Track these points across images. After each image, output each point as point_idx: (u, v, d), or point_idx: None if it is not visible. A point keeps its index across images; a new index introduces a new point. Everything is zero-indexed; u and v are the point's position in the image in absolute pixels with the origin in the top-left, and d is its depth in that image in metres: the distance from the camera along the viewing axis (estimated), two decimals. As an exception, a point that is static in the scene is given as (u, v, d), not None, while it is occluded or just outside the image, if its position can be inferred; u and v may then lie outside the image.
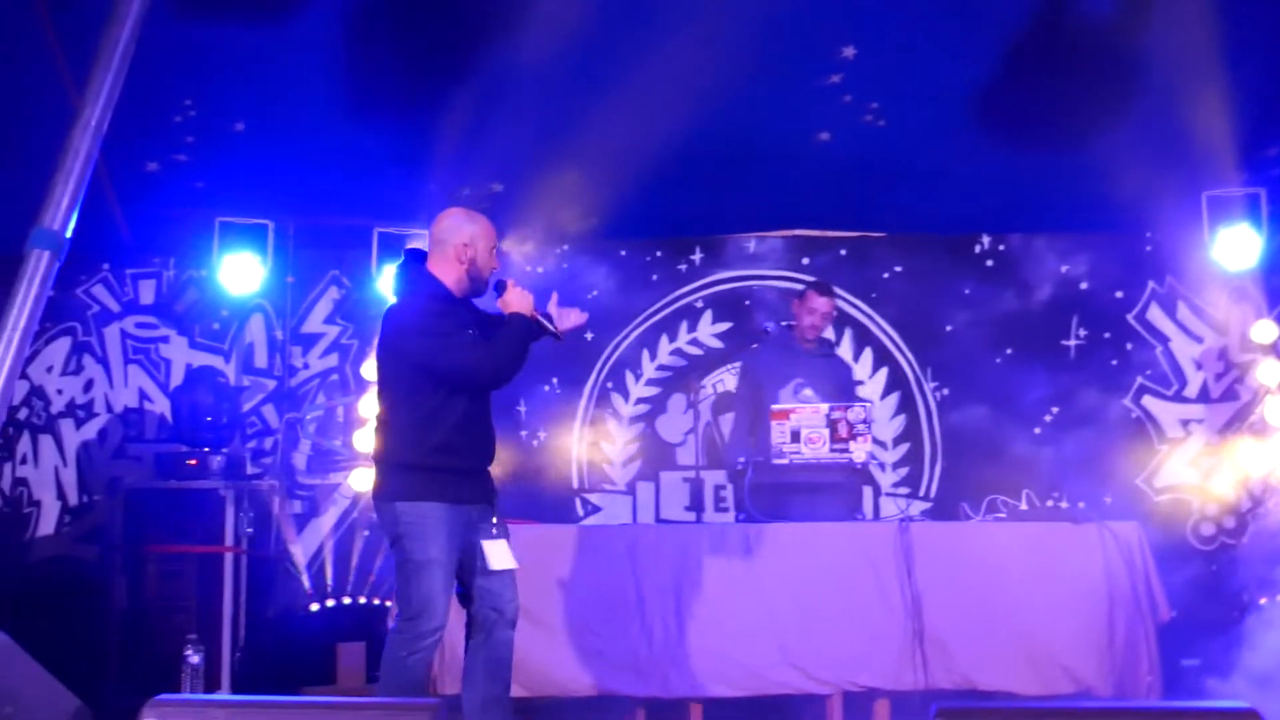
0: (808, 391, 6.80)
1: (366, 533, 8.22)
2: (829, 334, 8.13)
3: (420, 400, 4.81)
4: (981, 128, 7.35)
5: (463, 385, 4.83)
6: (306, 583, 8.11)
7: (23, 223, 4.95)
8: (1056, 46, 6.90)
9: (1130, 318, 8.23)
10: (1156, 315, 8.23)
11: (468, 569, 4.87)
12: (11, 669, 4.63)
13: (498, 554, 4.88)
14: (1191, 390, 8.18)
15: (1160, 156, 7.14)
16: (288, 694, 3.83)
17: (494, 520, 4.96)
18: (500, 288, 4.96)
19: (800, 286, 7.60)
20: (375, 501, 4.90)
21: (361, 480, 8.10)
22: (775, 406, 6.45)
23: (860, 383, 8.18)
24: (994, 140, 7.32)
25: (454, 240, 4.95)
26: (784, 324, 7.18)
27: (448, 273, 4.94)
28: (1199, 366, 8.18)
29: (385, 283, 8.12)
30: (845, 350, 8.23)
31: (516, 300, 4.91)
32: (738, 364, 7.61)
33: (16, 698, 4.56)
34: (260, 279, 8.14)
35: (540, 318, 4.96)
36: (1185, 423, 8.15)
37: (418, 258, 5.05)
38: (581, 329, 5.25)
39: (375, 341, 5.05)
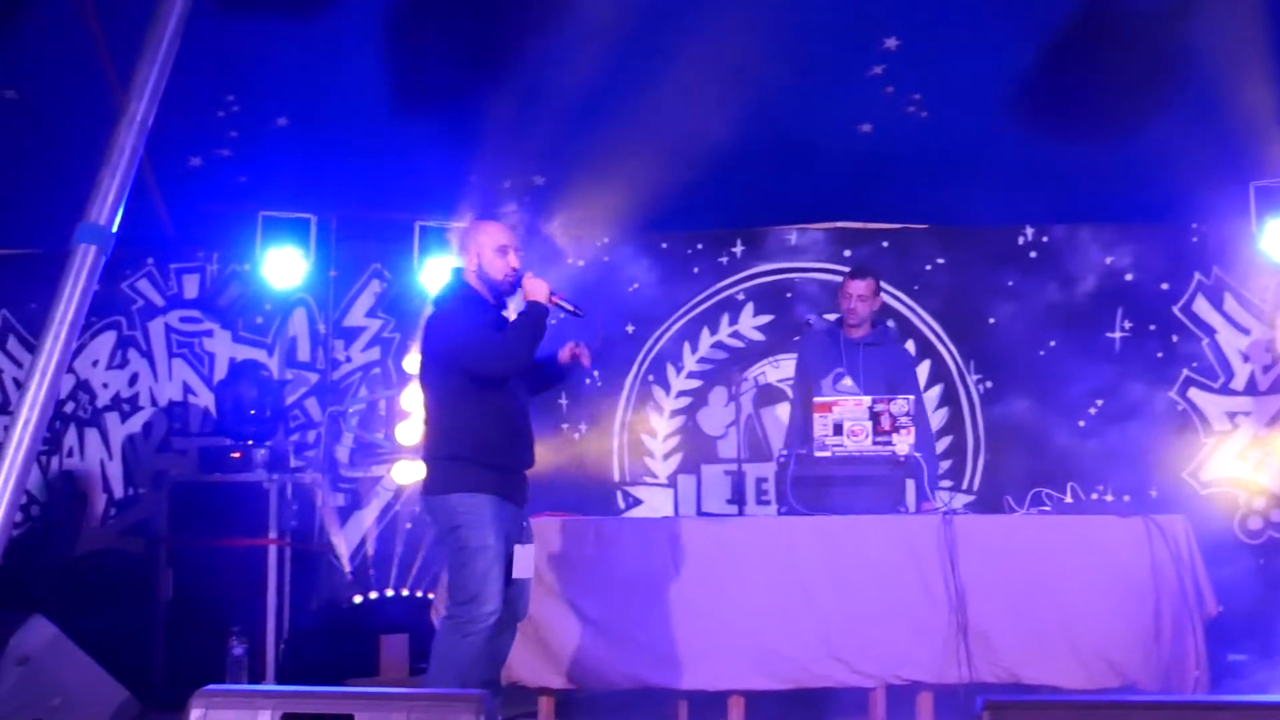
0: (847, 381, 6.77)
1: (409, 525, 8.26)
2: (890, 324, 8.08)
3: (461, 399, 5.09)
4: (1025, 118, 7.30)
5: (485, 376, 5.07)
6: (349, 575, 8.15)
7: (70, 218, 4.99)
8: (1101, 35, 6.84)
9: (1176, 309, 8.16)
10: (1203, 307, 8.15)
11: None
12: (60, 660, 4.69)
13: (523, 561, 5.16)
14: (1238, 383, 8.10)
15: (1207, 146, 7.07)
16: (331, 685, 3.85)
17: (524, 525, 5.26)
18: (519, 283, 5.23)
19: (840, 279, 7.57)
20: (428, 496, 5.15)
21: (404, 473, 8.13)
22: (817, 399, 6.44)
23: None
24: (1038, 131, 7.27)
25: (466, 250, 5.31)
26: (829, 317, 7.14)
27: (473, 279, 5.27)
28: (1246, 359, 8.10)
29: (427, 276, 8.15)
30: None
31: (531, 289, 5.17)
32: (779, 357, 7.60)
33: (65, 689, 4.61)
34: (303, 273, 8.18)
35: (559, 301, 5.20)
36: (1232, 415, 8.08)
37: (461, 270, 5.39)
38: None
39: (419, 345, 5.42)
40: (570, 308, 5.26)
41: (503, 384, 5.14)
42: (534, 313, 5.13)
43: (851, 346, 6.89)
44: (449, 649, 4.98)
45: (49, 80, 7.32)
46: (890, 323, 8.15)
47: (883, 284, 8.23)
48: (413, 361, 8.16)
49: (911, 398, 6.46)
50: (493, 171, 7.70)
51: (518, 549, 5.13)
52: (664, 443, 8.42)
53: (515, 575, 5.10)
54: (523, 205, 7.92)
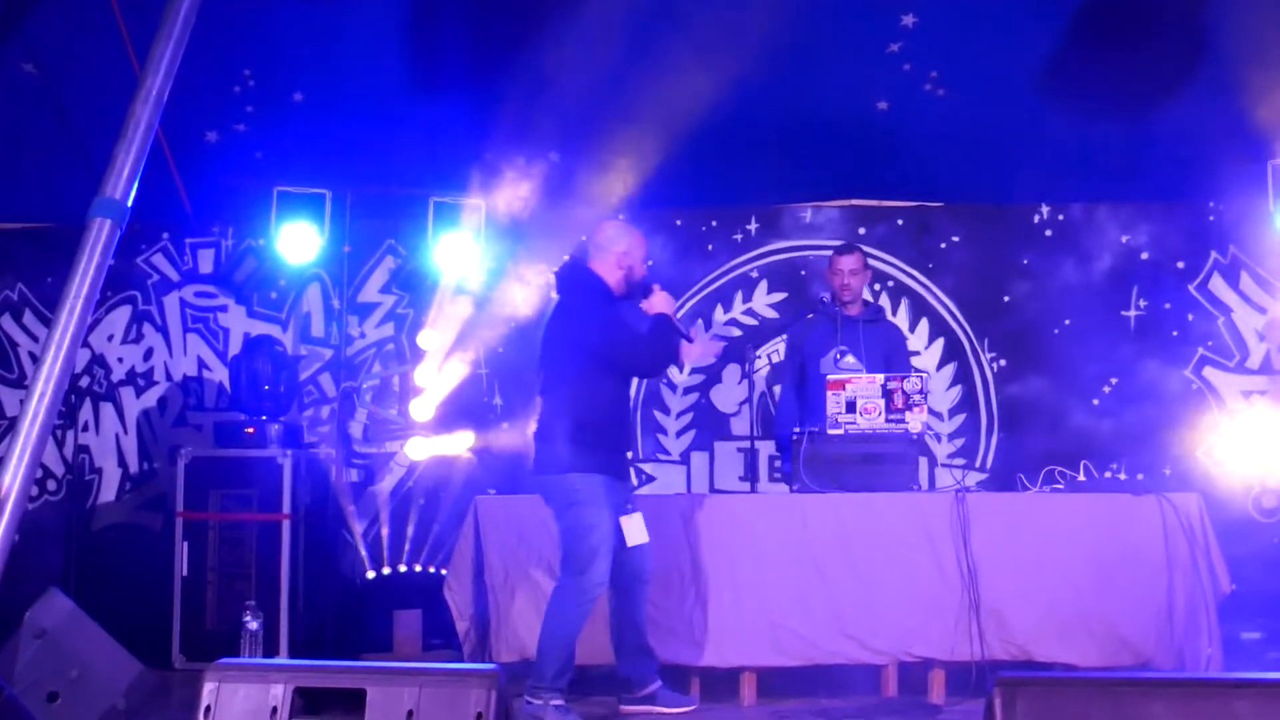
0: (849, 359, 6.77)
1: (422, 501, 8.27)
2: (884, 302, 8.09)
3: (590, 386, 5.57)
4: (1042, 96, 7.28)
5: (628, 373, 5.81)
6: (363, 550, 8.17)
7: (85, 192, 4.99)
8: (1119, 14, 6.81)
9: (1192, 288, 8.12)
10: (1219, 286, 8.11)
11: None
12: (77, 634, 4.71)
13: (635, 530, 5.64)
14: (1254, 362, 8.07)
15: (1224, 125, 7.04)
16: (345, 660, 3.88)
17: (630, 498, 5.77)
18: (647, 291, 5.79)
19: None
20: (545, 475, 5.60)
21: (417, 449, 8.14)
22: (830, 376, 6.43)
23: (916, 353, 8.14)
24: (1054, 109, 7.25)
25: (614, 249, 5.76)
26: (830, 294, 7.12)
27: (609, 275, 5.74)
28: (1262, 338, 8.07)
29: (441, 252, 8.15)
30: (901, 319, 8.17)
31: (661, 303, 5.76)
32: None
33: (82, 661, 4.64)
34: (317, 248, 8.18)
35: (678, 320, 5.86)
36: (1247, 394, 8.04)
37: (583, 260, 5.89)
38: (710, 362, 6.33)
39: (543, 329, 5.83)
40: (684, 331, 5.90)
41: (625, 377, 5.79)
42: (668, 326, 5.76)
43: (850, 324, 6.88)
44: (561, 616, 5.47)
45: (67, 55, 7.33)
46: (883, 297, 8.14)
47: (898, 261, 8.27)
48: (428, 335, 8.18)
49: (926, 375, 6.47)
50: (507, 148, 7.69)
51: (624, 520, 5.60)
52: (677, 420, 8.42)
53: (630, 544, 5.61)
54: (538, 182, 7.90)
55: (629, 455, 5.96)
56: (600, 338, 5.59)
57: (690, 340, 5.90)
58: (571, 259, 6.00)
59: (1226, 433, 7.90)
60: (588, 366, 5.58)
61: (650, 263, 5.86)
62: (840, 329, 6.86)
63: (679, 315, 5.99)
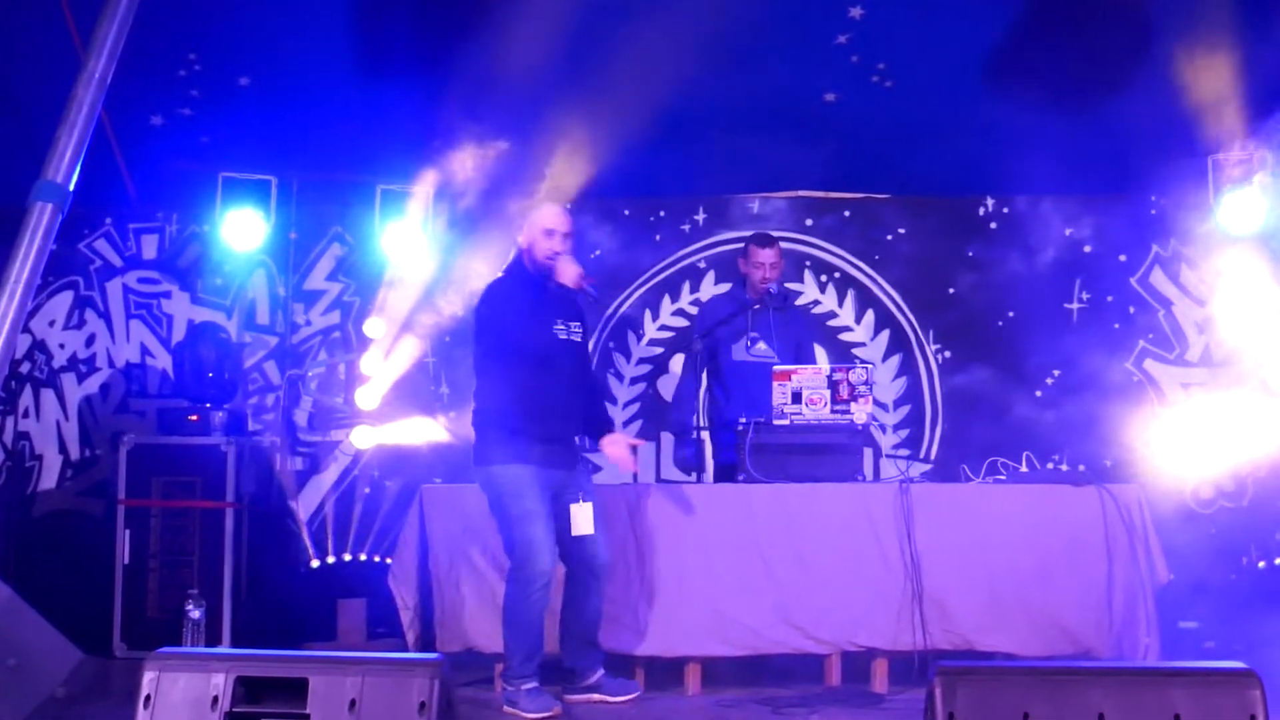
0: (761, 345, 6.80)
1: (368, 490, 8.23)
2: (830, 294, 8.13)
3: (499, 372, 5.59)
4: (988, 90, 7.32)
5: (513, 355, 5.59)
6: (307, 539, 8.12)
7: (26, 175, 4.94)
8: (1065, 8, 6.87)
9: (1133, 281, 8.21)
10: (1160, 279, 8.21)
11: (561, 530, 5.56)
12: (15, 621, 4.66)
13: (580, 519, 5.63)
14: (1194, 354, 8.17)
15: (1167, 120, 7.11)
16: (288, 649, 3.85)
17: (578, 485, 5.70)
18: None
19: (801, 247, 7.58)
20: (475, 467, 5.63)
21: (362, 437, 8.11)
22: (776, 368, 6.44)
23: (863, 344, 8.19)
24: (1000, 102, 7.29)
25: (523, 230, 5.77)
26: (729, 285, 7.07)
27: (527, 257, 5.73)
28: (1201, 330, 8.17)
29: (388, 240, 8.11)
30: (848, 310, 8.22)
31: (563, 271, 5.61)
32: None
33: (20, 649, 4.58)
34: (263, 235, 8.13)
35: (585, 286, 5.64)
36: (1187, 386, 8.14)
37: (519, 249, 5.83)
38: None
39: None
40: (594, 295, 5.81)
41: (542, 361, 5.57)
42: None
43: (762, 310, 6.87)
44: (512, 606, 5.50)
45: (8, 35, 7.23)
46: (824, 278, 8.16)
47: (844, 253, 8.31)
48: (374, 323, 8.14)
49: (871, 366, 6.50)
50: (455, 136, 7.66)
51: (574, 508, 5.61)
52: (624, 410, 8.42)
53: (575, 533, 5.60)
54: (486, 170, 7.88)
55: (575, 440, 5.80)
56: (483, 319, 5.69)
57: (595, 297, 5.94)
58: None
59: (1166, 425, 8.00)
60: (492, 355, 5.65)
61: (562, 233, 5.68)
62: (751, 316, 6.85)
63: (587, 282, 5.72)
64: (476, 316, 5.76)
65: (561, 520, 5.59)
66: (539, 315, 5.64)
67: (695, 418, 6.75)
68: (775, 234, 7.33)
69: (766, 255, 6.89)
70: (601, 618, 5.77)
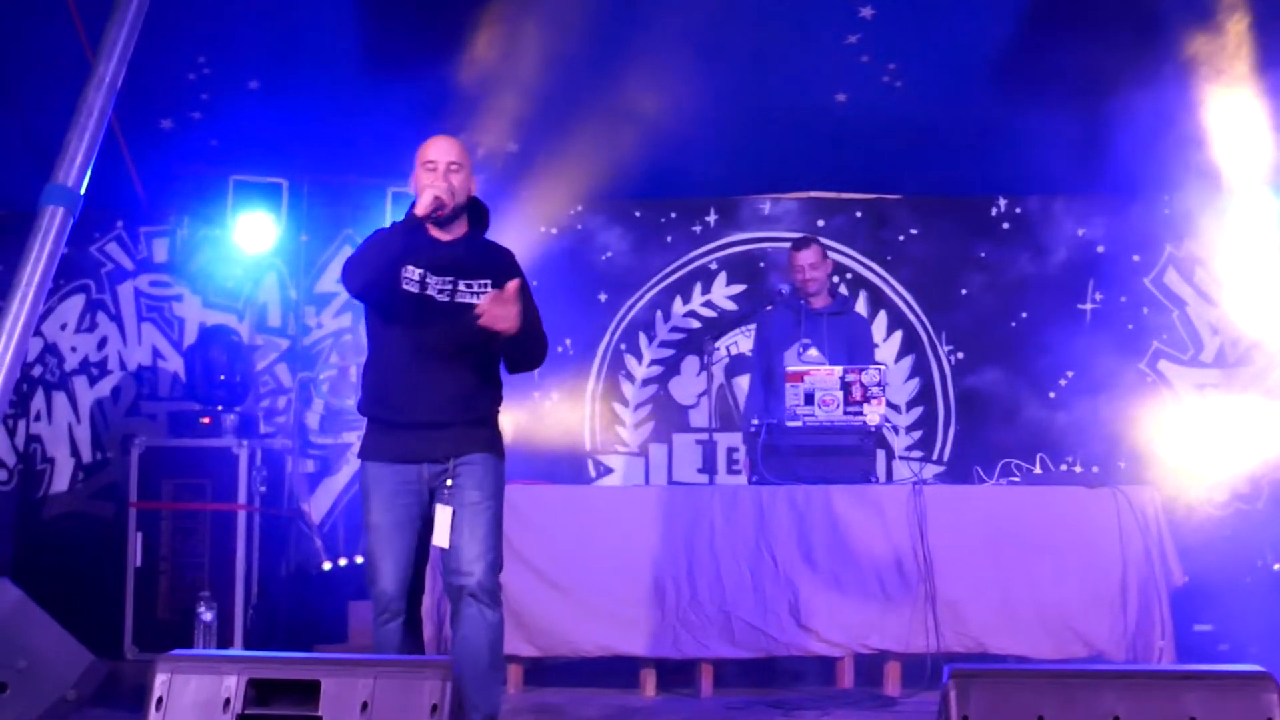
0: (813, 352, 6.78)
1: (379, 492, 8.22)
2: (844, 290, 8.10)
3: (370, 343, 4.49)
4: (1000, 89, 7.31)
5: (352, 295, 4.46)
6: (319, 541, 8.13)
7: (37, 179, 4.94)
8: (1076, 7, 6.85)
9: (1147, 281, 8.18)
10: (1173, 279, 8.18)
11: (426, 539, 4.38)
12: (26, 624, 4.66)
13: (439, 526, 4.33)
14: (1208, 355, 8.14)
15: (1181, 119, 7.08)
16: (299, 651, 3.85)
17: (448, 484, 4.34)
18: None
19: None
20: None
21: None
22: (790, 368, 6.44)
23: (875, 345, 8.16)
24: (1012, 102, 7.27)
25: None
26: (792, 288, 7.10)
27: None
28: (1215, 331, 8.13)
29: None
30: (859, 311, 8.17)
31: (419, 202, 4.33)
32: (752, 326, 7.57)
33: (31, 652, 4.58)
34: (274, 238, 8.14)
35: (432, 215, 4.33)
36: (1201, 387, 8.11)
37: None
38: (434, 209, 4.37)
39: None
40: (438, 220, 4.38)
41: (390, 318, 4.38)
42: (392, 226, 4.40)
43: (814, 317, 6.87)
44: (375, 631, 4.40)
45: (18, 39, 7.25)
46: (842, 287, 8.15)
47: (856, 254, 8.28)
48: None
49: (883, 367, 6.49)
50: (466, 138, 7.64)
51: (439, 509, 4.32)
52: (635, 412, 8.42)
53: (434, 542, 4.35)
54: (496, 173, 7.88)
55: (453, 425, 4.35)
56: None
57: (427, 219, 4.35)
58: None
59: (1180, 426, 7.97)
60: (366, 319, 4.53)
61: (448, 162, 4.39)
62: (804, 322, 6.86)
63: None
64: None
65: (428, 528, 4.37)
66: (400, 264, 4.33)
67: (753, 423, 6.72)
68: (788, 235, 7.34)
69: (804, 257, 6.86)
70: (492, 653, 4.34)
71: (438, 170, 4.39)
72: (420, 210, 4.28)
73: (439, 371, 4.36)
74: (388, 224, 4.48)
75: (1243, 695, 2.96)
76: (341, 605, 7.51)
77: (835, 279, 8.13)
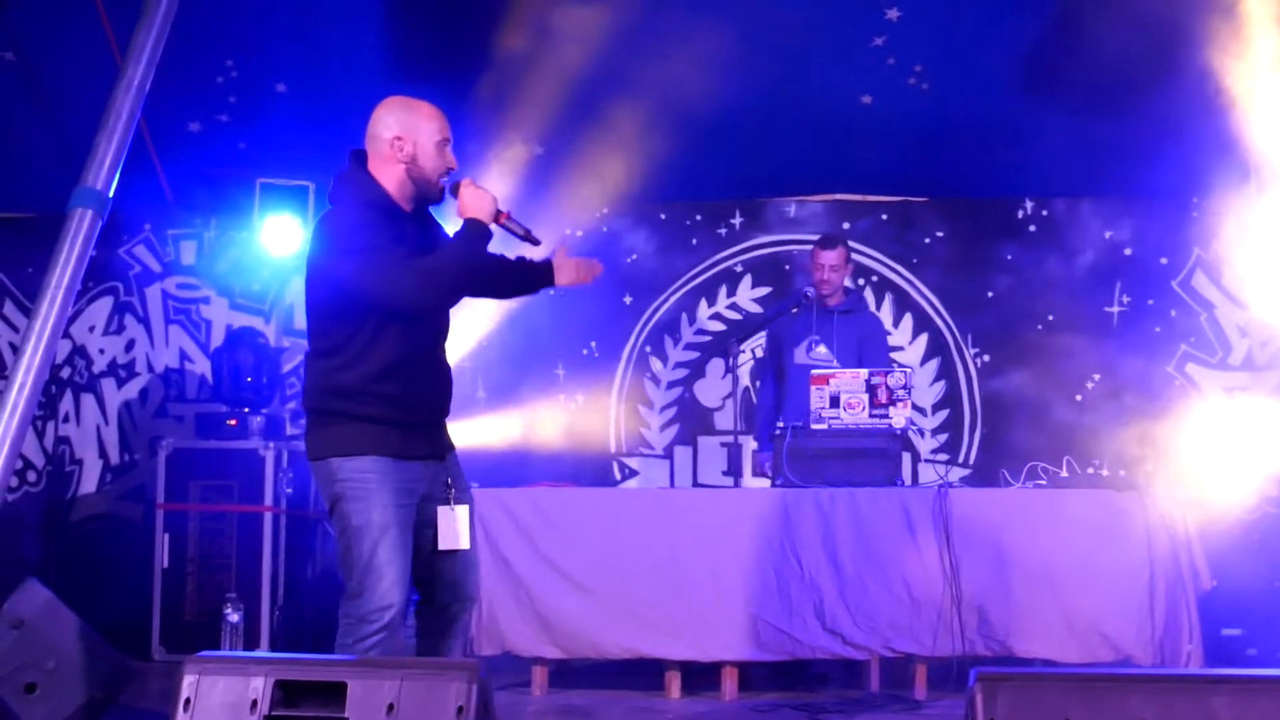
0: (821, 349, 6.79)
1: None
2: (867, 295, 8.09)
3: (352, 334, 3.92)
4: (1026, 91, 7.29)
5: (397, 311, 3.91)
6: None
7: (66, 182, 4.97)
8: (1103, 8, 6.82)
9: (1175, 284, 8.14)
10: (1202, 282, 8.13)
11: (420, 543, 4.03)
12: (55, 625, 4.68)
13: (449, 528, 4.03)
14: (1236, 358, 8.09)
15: (1208, 120, 7.04)
16: (326, 653, 3.86)
17: (448, 483, 4.07)
18: (455, 191, 4.04)
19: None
20: (310, 460, 4.04)
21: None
22: (815, 371, 6.43)
23: (900, 348, 8.14)
24: (1038, 104, 7.26)
25: (386, 135, 4.05)
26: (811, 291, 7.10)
27: (388, 176, 4.01)
28: (1244, 334, 8.08)
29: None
30: (885, 314, 8.17)
31: (471, 202, 3.98)
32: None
33: (60, 653, 4.61)
34: (301, 240, 8.16)
35: (508, 221, 4.05)
36: (1230, 390, 8.06)
37: (361, 160, 4.11)
38: (588, 283, 4.37)
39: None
40: (522, 231, 4.08)
41: (420, 317, 4.00)
42: (470, 234, 3.95)
43: (826, 313, 6.89)
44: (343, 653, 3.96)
45: (48, 43, 7.29)
46: (867, 290, 8.14)
47: (881, 256, 8.26)
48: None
49: (909, 370, 6.48)
50: (491, 140, 7.67)
51: (441, 513, 4.02)
52: (660, 414, 8.42)
53: (441, 546, 4.01)
54: (521, 175, 7.88)
55: (436, 424, 4.12)
56: (345, 264, 3.86)
57: (531, 238, 4.09)
58: (349, 160, 4.15)
59: (1209, 429, 7.92)
60: (344, 307, 3.90)
61: (450, 155, 4.08)
62: (816, 319, 6.87)
63: (507, 218, 4.07)
64: (316, 257, 4.01)
65: (422, 531, 4.02)
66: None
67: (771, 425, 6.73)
68: (813, 237, 7.33)
69: (827, 257, 6.88)
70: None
71: (448, 151, 4.08)
72: (488, 217, 3.96)
73: (443, 364, 4.15)
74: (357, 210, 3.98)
75: (1272, 699, 2.94)
76: (367, 607, 7.51)
77: (860, 282, 8.12)
